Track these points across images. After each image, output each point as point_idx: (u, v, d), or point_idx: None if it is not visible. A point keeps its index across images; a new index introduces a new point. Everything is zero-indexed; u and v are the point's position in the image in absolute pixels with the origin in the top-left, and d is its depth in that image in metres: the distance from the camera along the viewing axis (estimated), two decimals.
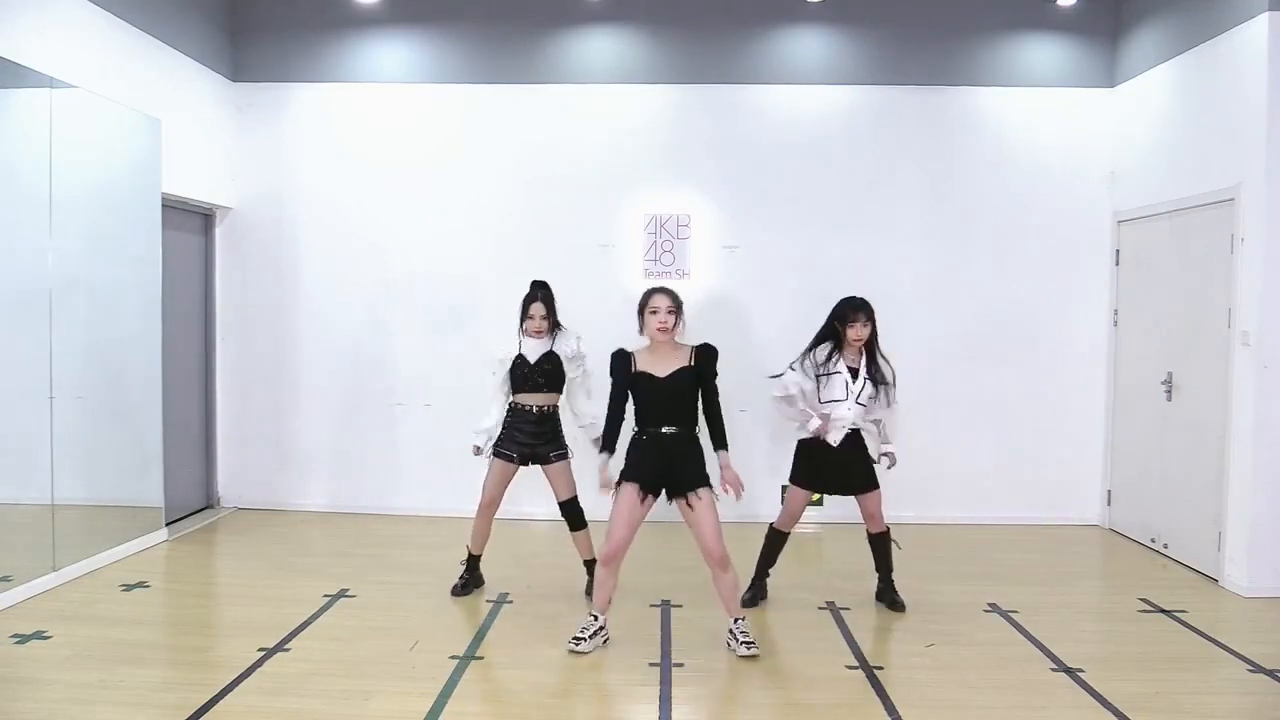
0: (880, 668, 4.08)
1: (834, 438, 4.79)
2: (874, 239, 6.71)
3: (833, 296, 6.61)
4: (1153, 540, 6.11)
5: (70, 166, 5.12)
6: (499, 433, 4.98)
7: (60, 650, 4.11)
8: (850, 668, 4.09)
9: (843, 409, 4.77)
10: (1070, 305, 6.74)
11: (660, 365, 4.23)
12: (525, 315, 4.94)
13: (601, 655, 4.22)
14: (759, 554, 5.02)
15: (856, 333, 4.77)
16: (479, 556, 5.14)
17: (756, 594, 4.95)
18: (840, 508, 6.68)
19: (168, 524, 6.08)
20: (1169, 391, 5.93)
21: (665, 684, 3.90)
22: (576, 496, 5.00)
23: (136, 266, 5.76)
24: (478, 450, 5.02)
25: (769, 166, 6.72)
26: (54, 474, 5.03)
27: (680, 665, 4.09)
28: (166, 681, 3.87)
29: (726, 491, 4.27)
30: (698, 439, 4.28)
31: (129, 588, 5.03)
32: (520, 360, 4.90)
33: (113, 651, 4.10)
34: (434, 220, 6.80)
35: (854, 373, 4.80)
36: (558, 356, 4.91)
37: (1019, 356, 6.72)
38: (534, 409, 4.91)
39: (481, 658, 4.15)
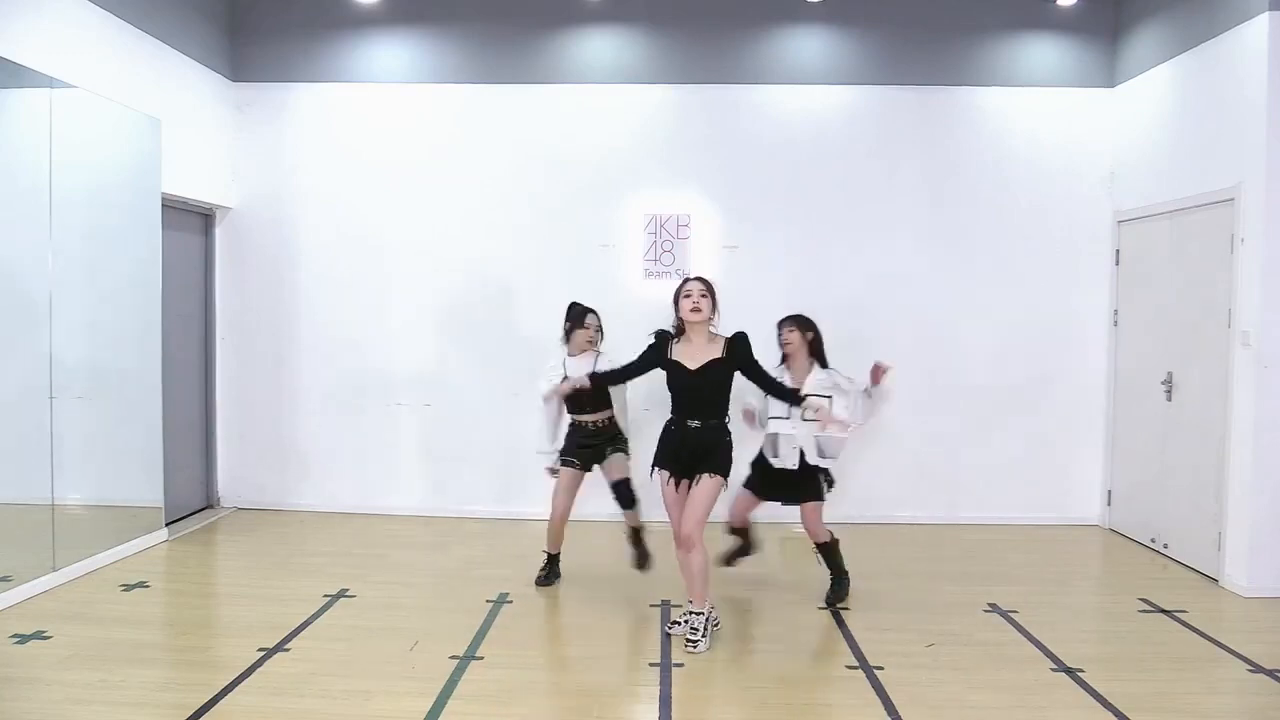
0: (880, 668, 4.07)
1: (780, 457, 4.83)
2: (874, 239, 6.70)
3: (833, 296, 6.68)
4: (1153, 540, 6.11)
5: (70, 166, 5.11)
6: (563, 443, 5.20)
7: (60, 650, 4.11)
8: (850, 668, 4.09)
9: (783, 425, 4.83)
10: (1070, 305, 6.74)
11: (693, 357, 4.30)
12: (580, 326, 5.12)
13: (601, 655, 4.22)
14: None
15: (784, 337, 4.93)
16: (557, 555, 5.32)
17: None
18: (841, 507, 6.71)
19: (168, 524, 6.08)
20: (1169, 391, 5.93)
21: (665, 684, 3.90)
22: (629, 478, 5.14)
23: (136, 266, 5.76)
24: (553, 471, 5.20)
25: (769, 166, 6.72)
26: (54, 474, 5.03)
27: (680, 665, 4.10)
28: (166, 681, 3.87)
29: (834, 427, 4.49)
30: (725, 429, 4.36)
31: (129, 588, 5.03)
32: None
33: (113, 651, 4.10)
34: (434, 220, 6.80)
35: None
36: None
37: (1019, 357, 6.72)
38: (590, 424, 5.12)
39: (481, 658, 4.15)
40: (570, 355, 5.15)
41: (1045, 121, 6.72)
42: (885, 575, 5.41)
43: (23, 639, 4.22)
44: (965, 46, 6.72)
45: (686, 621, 4.32)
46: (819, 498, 4.86)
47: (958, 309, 6.71)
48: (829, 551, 4.98)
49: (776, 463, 4.83)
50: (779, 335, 4.96)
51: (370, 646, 4.24)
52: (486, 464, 6.78)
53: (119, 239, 5.66)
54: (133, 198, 5.74)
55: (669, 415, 4.42)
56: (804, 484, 4.84)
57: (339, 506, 6.86)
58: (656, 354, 4.37)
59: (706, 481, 4.27)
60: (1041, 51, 6.73)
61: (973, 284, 6.72)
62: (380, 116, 6.83)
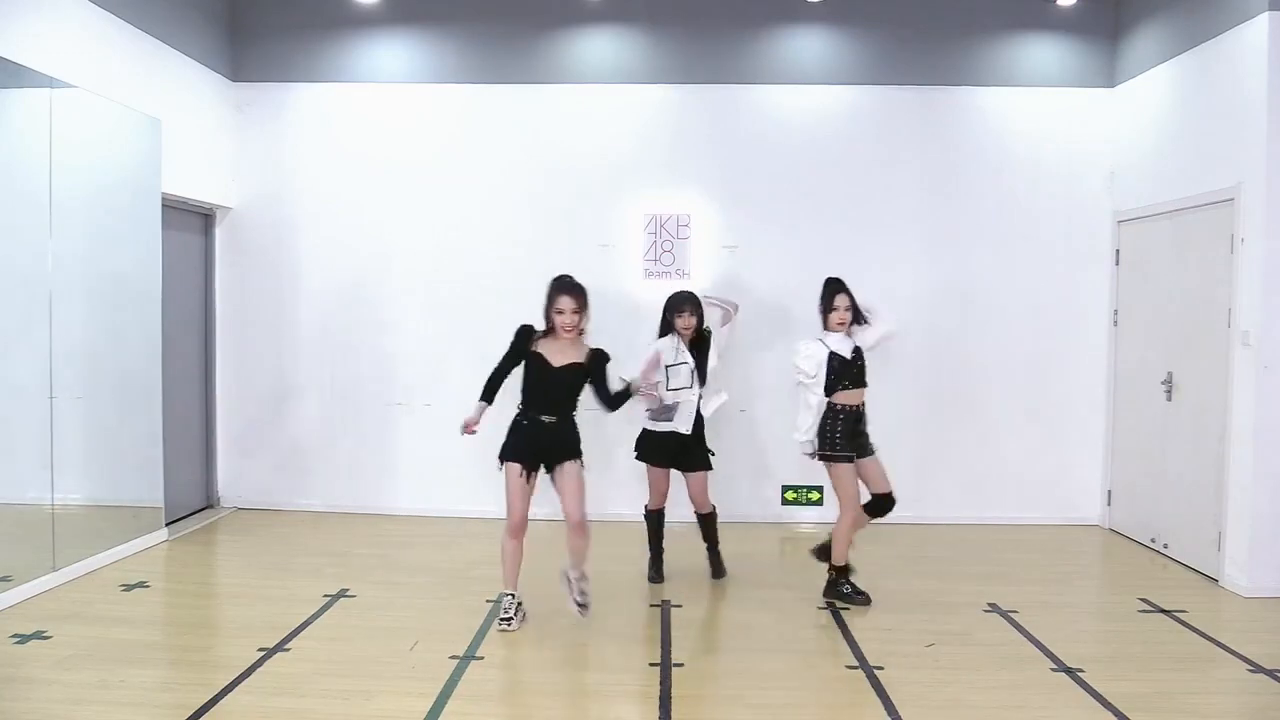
0: (880, 668, 4.07)
1: (683, 426, 5.21)
2: (874, 239, 6.70)
3: None
4: (1153, 540, 6.11)
5: (70, 166, 5.11)
6: (831, 437, 4.97)
7: (60, 650, 4.10)
8: (850, 668, 4.09)
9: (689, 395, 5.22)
10: (1070, 305, 6.74)
11: (558, 354, 4.52)
12: (829, 309, 4.94)
13: (601, 655, 4.23)
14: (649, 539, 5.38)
15: (684, 323, 5.21)
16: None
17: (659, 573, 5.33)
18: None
19: (168, 524, 6.08)
20: (1169, 391, 5.93)
21: (665, 684, 3.90)
22: (891, 492, 4.98)
23: (136, 267, 5.76)
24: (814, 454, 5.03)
25: (769, 166, 6.71)
26: (54, 474, 5.03)
27: (680, 665, 4.10)
28: (166, 681, 3.88)
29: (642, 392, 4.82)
30: (574, 421, 4.64)
31: (129, 588, 5.03)
32: (834, 358, 4.91)
33: (113, 651, 4.10)
34: (434, 220, 6.80)
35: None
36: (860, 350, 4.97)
37: (1019, 356, 6.72)
38: (855, 407, 4.97)
39: (481, 658, 4.15)
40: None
41: (1045, 121, 6.72)
42: (885, 575, 5.40)
43: (23, 639, 4.22)
44: (965, 46, 6.72)
45: (576, 587, 4.50)
46: (708, 467, 5.31)
47: (957, 308, 6.71)
48: (709, 522, 5.39)
49: (666, 426, 5.19)
50: (674, 313, 5.25)
51: (370, 646, 4.24)
52: (486, 464, 6.75)
53: (119, 239, 5.66)
54: (133, 198, 5.74)
55: (519, 409, 4.59)
56: (696, 451, 5.26)
57: (339, 506, 6.86)
58: (523, 347, 4.54)
59: (576, 468, 4.55)
60: (1041, 51, 6.73)
61: (972, 284, 6.72)
62: (380, 116, 6.82)
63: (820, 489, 6.71)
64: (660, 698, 3.77)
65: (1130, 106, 6.51)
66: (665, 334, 5.31)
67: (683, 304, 5.25)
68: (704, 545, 5.44)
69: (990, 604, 4.94)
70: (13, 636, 4.24)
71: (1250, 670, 4.11)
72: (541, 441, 4.53)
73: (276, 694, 3.73)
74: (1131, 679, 3.98)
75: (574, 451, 4.58)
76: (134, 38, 5.75)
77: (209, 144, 6.62)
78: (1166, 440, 5.98)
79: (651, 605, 4.88)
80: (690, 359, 5.23)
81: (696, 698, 3.81)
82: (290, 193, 6.87)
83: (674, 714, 3.64)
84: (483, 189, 6.78)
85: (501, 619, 4.49)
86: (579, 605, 4.47)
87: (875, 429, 6.77)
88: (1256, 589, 5.12)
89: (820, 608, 4.89)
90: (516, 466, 4.55)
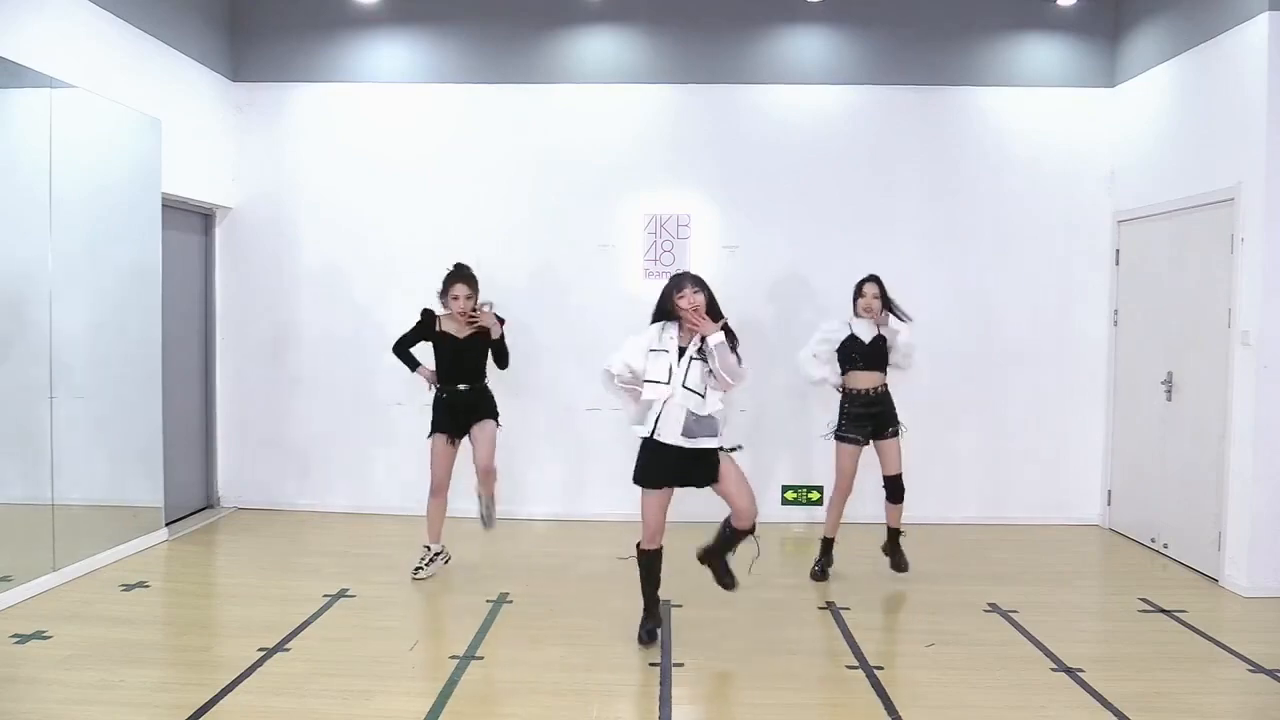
0: (880, 668, 4.08)
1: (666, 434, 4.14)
2: (874, 239, 6.69)
3: (832, 296, 6.66)
4: (1153, 540, 6.11)
5: (70, 166, 5.11)
6: (840, 418, 5.34)
7: (60, 650, 4.11)
8: (850, 668, 4.09)
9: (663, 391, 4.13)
10: (1070, 305, 6.74)
11: (459, 329, 5.25)
12: (858, 294, 5.35)
13: (602, 655, 4.22)
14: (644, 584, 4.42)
15: (688, 301, 4.15)
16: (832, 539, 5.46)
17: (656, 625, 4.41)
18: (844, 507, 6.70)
19: (168, 524, 6.08)
20: (1169, 391, 5.93)
21: (665, 684, 3.90)
22: (898, 475, 5.32)
23: (136, 266, 5.76)
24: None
25: (769, 166, 6.71)
26: (54, 474, 5.03)
27: (680, 665, 4.10)
28: (166, 681, 3.88)
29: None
30: (487, 388, 5.38)
31: (129, 588, 5.03)
32: (853, 340, 5.28)
33: (113, 651, 4.10)
34: (434, 220, 6.79)
35: (682, 351, 4.17)
36: (885, 339, 5.29)
37: (1019, 356, 6.72)
38: (867, 390, 5.28)
39: (481, 658, 4.15)
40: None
41: (1045, 121, 6.72)
42: (885, 575, 5.41)
43: (23, 639, 4.22)
44: (965, 46, 6.72)
45: (485, 505, 5.42)
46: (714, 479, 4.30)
47: (957, 308, 6.71)
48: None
49: (691, 441, 4.19)
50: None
51: (370, 646, 4.24)
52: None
53: (119, 239, 5.66)
54: (133, 198, 5.74)
55: (437, 386, 5.32)
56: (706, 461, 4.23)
57: (339, 506, 6.86)
58: (427, 330, 5.29)
59: (488, 426, 5.33)
60: (1041, 51, 6.73)
61: (972, 284, 6.72)
62: (380, 116, 6.82)
63: (820, 489, 6.71)
64: (660, 698, 3.77)
65: (1130, 106, 6.51)
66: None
67: (683, 283, 4.20)
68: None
69: (990, 604, 4.94)
70: (13, 636, 4.24)
71: (1250, 670, 4.11)
72: (460, 408, 5.29)
73: (276, 694, 3.73)
74: (1131, 679, 3.98)
75: (488, 411, 5.34)
76: (134, 38, 5.75)
77: (209, 144, 6.62)
78: (1166, 440, 5.98)
79: None
80: (672, 349, 4.17)
81: (696, 698, 3.81)
82: (290, 193, 6.86)
83: (674, 714, 3.64)
84: (483, 189, 6.78)
85: (415, 568, 5.26)
86: (484, 520, 5.45)
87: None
88: (1256, 589, 5.12)
89: (820, 608, 4.89)
90: (443, 437, 5.32)
